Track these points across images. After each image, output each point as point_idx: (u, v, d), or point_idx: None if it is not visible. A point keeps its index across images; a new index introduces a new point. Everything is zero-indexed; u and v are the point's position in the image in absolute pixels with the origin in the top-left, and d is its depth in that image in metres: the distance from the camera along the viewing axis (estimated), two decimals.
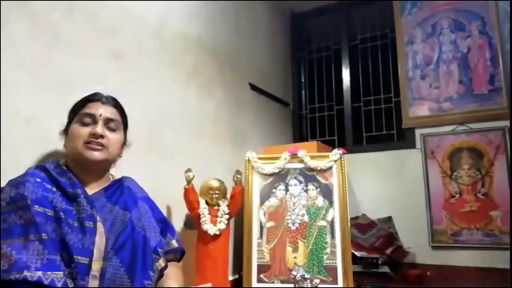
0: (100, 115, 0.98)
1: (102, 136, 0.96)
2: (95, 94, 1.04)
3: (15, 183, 0.86)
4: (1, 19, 1.06)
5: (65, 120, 1.04)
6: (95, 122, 0.98)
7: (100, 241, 0.87)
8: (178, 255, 1.14)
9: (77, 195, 0.91)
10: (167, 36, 1.78)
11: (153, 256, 0.96)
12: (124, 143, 1.08)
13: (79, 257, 0.82)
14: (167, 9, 1.79)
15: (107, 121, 1.00)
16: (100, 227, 0.89)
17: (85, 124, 0.97)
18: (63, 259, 0.81)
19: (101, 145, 0.96)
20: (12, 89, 1.08)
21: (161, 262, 1.00)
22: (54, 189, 0.89)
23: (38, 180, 0.87)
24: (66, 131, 1.01)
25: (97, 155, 0.96)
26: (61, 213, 0.85)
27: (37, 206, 0.82)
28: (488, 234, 2.26)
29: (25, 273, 0.74)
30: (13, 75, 1.09)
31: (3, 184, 0.89)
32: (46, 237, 0.79)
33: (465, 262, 2.28)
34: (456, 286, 2.12)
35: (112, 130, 1.01)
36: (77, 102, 1.03)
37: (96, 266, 0.84)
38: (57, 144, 1.09)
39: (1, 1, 1.06)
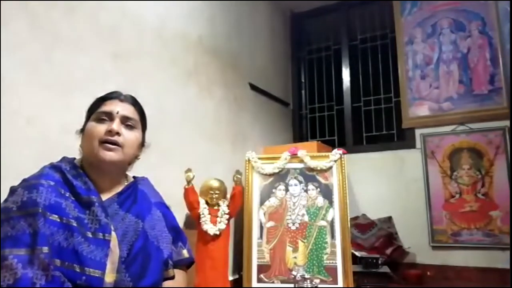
0: (117, 113, 0.93)
1: (118, 134, 0.91)
2: (114, 92, 1.00)
3: (29, 185, 0.82)
4: (1, 19, 1.06)
5: (65, 120, 1.05)
6: (111, 119, 0.92)
7: (113, 253, 0.84)
8: (187, 264, 1.10)
9: (91, 203, 0.87)
10: (167, 36, 1.78)
11: (163, 267, 0.93)
12: (142, 144, 1.03)
13: (91, 270, 0.80)
14: (167, 9, 1.79)
15: (124, 119, 0.94)
16: (114, 239, 0.86)
17: (101, 122, 0.92)
18: (74, 270, 0.78)
19: (116, 143, 0.91)
20: (12, 89, 1.08)
21: (170, 272, 0.96)
22: (68, 194, 0.86)
23: (52, 183, 0.84)
24: (83, 131, 0.96)
25: (111, 155, 0.90)
26: (74, 222, 0.82)
27: (49, 213, 0.79)
28: (488, 234, 2.26)
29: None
30: (13, 75, 1.09)
31: (3, 184, 0.89)
32: (48, 251, 0.76)
33: (465, 262, 2.28)
34: (456, 286, 2.13)
35: (129, 128, 0.95)
36: (95, 100, 0.98)
37: (109, 279, 0.81)
38: (57, 144, 1.09)
39: (1, 1, 1.06)
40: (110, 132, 0.90)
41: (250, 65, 2.52)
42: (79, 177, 0.90)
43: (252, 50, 2.58)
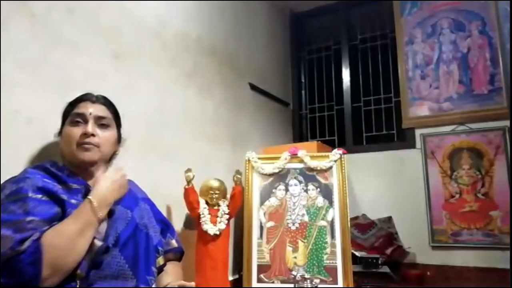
0: (90, 114, 0.98)
1: (93, 135, 0.97)
2: (85, 94, 1.05)
3: (15, 180, 0.86)
4: (1, 19, 1.06)
5: None
6: (86, 121, 0.98)
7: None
8: (178, 255, 1.15)
9: (78, 189, 0.93)
10: (167, 36, 1.78)
11: (154, 253, 0.98)
12: (118, 141, 1.08)
13: None
14: (167, 9, 1.79)
15: (98, 119, 1.00)
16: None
17: (76, 125, 0.97)
18: None
19: (93, 144, 0.96)
20: (12, 89, 1.08)
21: (160, 261, 1.01)
22: (55, 183, 0.90)
23: (38, 176, 0.88)
24: (60, 134, 1.02)
25: (89, 155, 0.96)
26: (65, 196, 0.87)
27: (40, 195, 0.83)
28: (488, 234, 2.26)
29: (29, 240, 0.75)
30: (13, 75, 1.09)
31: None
32: (37, 220, 0.80)
33: (465, 262, 2.28)
34: (456, 286, 2.13)
35: (104, 127, 1.01)
36: (68, 104, 1.03)
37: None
38: (57, 143, 1.09)
39: (1, 1, 1.06)
40: (85, 134, 0.95)
41: (249, 65, 2.52)
42: (62, 170, 0.95)
43: (252, 50, 2.58)
